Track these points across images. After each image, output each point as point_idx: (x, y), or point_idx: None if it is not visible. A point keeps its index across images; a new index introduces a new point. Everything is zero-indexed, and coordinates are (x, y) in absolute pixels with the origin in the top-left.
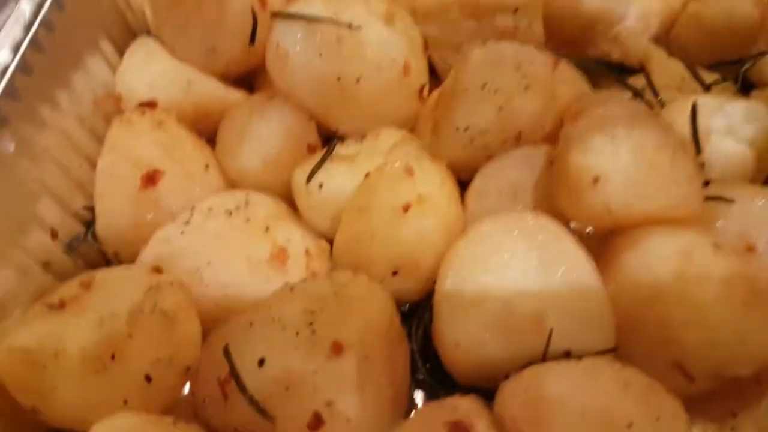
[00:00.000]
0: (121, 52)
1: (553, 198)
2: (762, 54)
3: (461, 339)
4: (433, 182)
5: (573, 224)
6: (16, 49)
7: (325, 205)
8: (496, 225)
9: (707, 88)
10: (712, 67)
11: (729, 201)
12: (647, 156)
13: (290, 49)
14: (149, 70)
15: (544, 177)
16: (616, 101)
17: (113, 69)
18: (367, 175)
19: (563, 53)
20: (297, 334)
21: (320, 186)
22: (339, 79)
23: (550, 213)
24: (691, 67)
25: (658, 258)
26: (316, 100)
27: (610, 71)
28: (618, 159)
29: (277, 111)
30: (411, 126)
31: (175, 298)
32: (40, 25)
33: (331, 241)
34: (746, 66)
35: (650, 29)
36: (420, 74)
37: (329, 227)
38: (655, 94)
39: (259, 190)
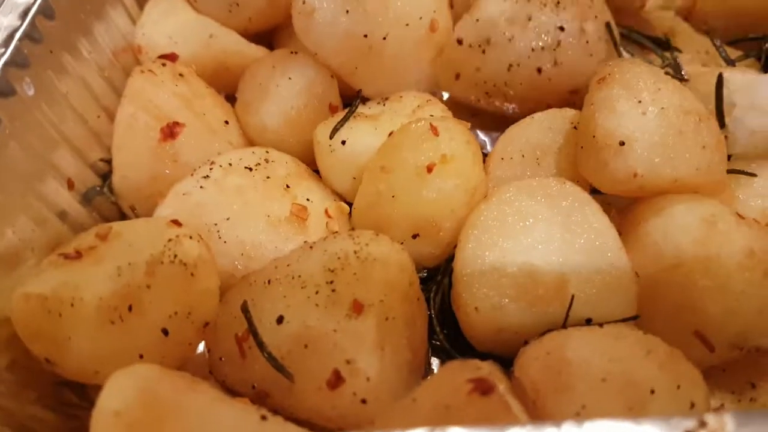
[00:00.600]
0: (141, 5)
1: (577, 163)
2: None
3: (481, 304)
4: (458, 142)
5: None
6: None
7: (346, 163)
8: (519, 190)
9: (731, 63)
10: (734, 43)
11: (751, 175)
12: (673, 120)
13: (317, 5)
14: (170, 22)
15: (569, 142)
16: (641, 66)
17: (134, 21)
18: (390, 134)
19: None
20: (317, 292)
21: (343, 143)
22: (366, 36)
23: (574, 178)
24: (716, 43)
25: (681, 226)
26: (342, 58)
27: (636, 42)
28: (645, 122)
29: (300, 67)
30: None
31: (196, 251)
32: None
33: (350, 203)
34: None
35: (675, 2)
36: (447, 32)
37: (349, 187)
38: (679, 67)
39: (278, 148)
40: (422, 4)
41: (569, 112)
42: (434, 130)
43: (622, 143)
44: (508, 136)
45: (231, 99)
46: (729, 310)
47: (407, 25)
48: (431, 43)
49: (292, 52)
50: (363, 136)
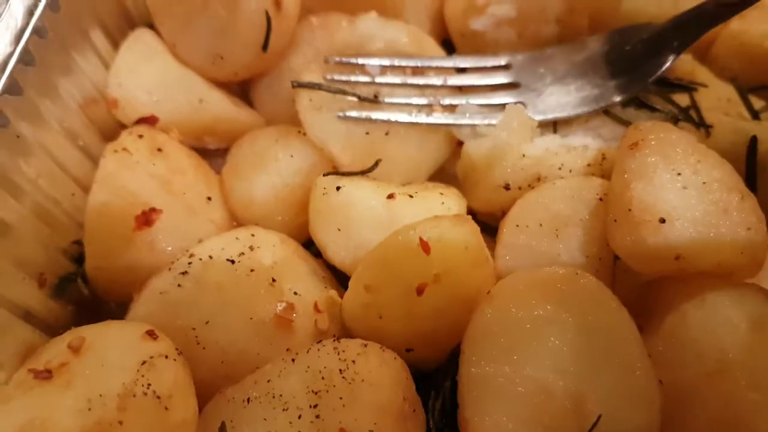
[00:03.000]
0: (116, 45)
1: (602, 238)
2: None
3: None
4: (453, 256)
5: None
6: None
7: (333, 210)
8: (527, 287)
9: (756, 115)
10: (756, 90)
11: None
12: (716, 197)
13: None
14: (149, 71)
15: (593, 214)
16: (674, 131)
17: (106, 66)
18: (389, 197)
19: None
20: (300, 417)
21: (337, 188)
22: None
23: (596, 255)
24: (742, 93)
25: (727, 325)
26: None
27: (656, 87)
28: (686, 198)
29: (305, 149)
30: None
31: (171, 377)
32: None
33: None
34: None
35: None
36: None
37: (333, 238)
38: (701, 118)
39: (262, 223)
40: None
41: (595, 182)
42: (425, 246)
43: (662, 220)
44: (527, 202)
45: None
46: None
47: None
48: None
49: (299, 131)
50: (361, 188)
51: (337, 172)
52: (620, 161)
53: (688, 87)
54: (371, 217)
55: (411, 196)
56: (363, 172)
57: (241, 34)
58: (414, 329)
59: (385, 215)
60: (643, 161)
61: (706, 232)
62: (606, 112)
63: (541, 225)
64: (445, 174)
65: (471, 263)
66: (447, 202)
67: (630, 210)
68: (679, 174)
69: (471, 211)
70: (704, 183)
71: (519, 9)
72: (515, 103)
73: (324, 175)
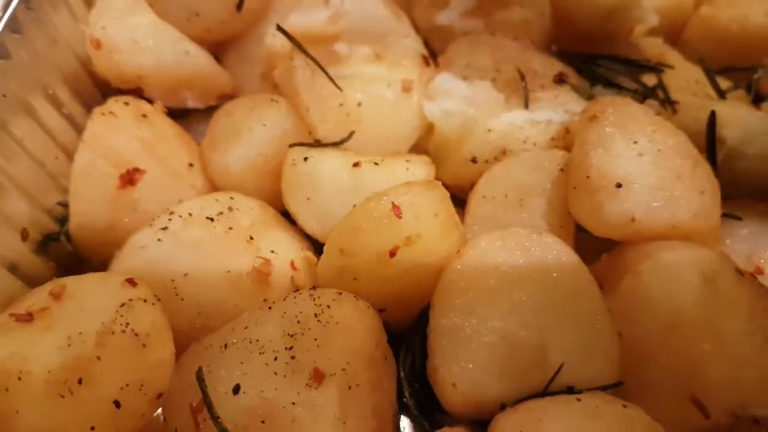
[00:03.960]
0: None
1: (563, 207)
2: None
3: (459, 380)
4: (424, 219)
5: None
6: None
7: (302, 180)
8: (494, 245)
9: (722, 94)
10: (724, 72)
11: (737, 218)
12: (671, 164)
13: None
14: (133, 22)
15: (554, 184)
16: (634, 105)
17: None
18: (355, 163)
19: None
20: (275, 359)
21: (305, 159)
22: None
23: (558, 223)
24: (709, 73)
25: (680, 282)
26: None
27: (624, 68)
28: (642, 165)
29: (278, 116)
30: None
31: (149, 318)
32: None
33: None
34: (759, 74)
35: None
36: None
37: (304, 207)
38: (667, 97)
39: (241, 191)
40: (386, 73)
41: (557, 154)
42: (397, 211)
43: (618, 185)
44: (492, 174)
45: (176, 114)
46: (730, 378)
47: (377, 92)
48: (408, 101)
49: (272, 99)
50: (328, 157)
51: (305, 143)
52: (580, 133)
53: (656, 68)
54: (338, 185)
55: (377, 164)
56: (334, 144)
57: None
58: (387, 290)
59: (351, 183)
60: (601, 132)
61: (660, 196)
62: (576, 89)
63: (506, 196)
64: (419, 150)
65: (440, 227)
66: (412, 168)
67: (588, 177)
68: (635, 142)
69: (443, 185)
70: (659, 150)
71: None
72: None
73: (290, 146)
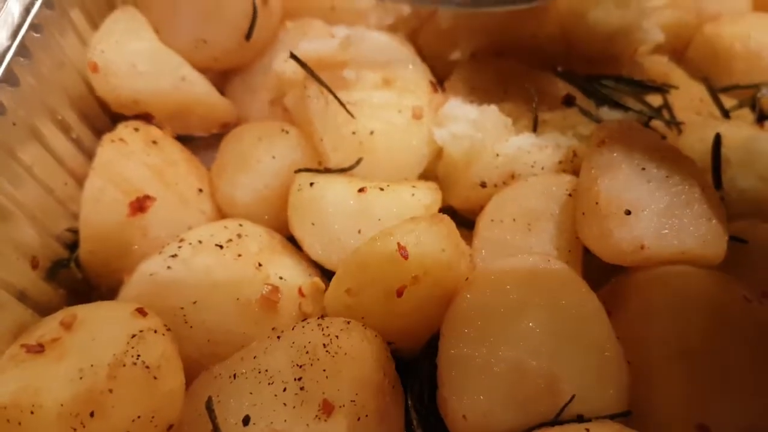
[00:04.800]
0: (94, 23)
1: (571, 232)
2: None
3: (469, 411)
4: (430, 256)
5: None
6: None
7: (307, 204)
8: (503, 273)
9: (726, 114)
10: (727, 90)
11: (743, 242)
12: (679, 190)
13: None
14: (133, 46)
15: (563, 209)
16: (639, 129)
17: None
18: (361, 189)
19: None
20: (284, 389)
21: (311, 184)
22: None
23: (566, 248)
24: (713, 92)
25: (688, 309)
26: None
27: (629, 88)
28: (650, 191)
29: (287, 148)
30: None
31: (159, 349)
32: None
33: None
34: (763, 92)
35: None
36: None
37: (310, 235)
38: (672, 117)
39: (248, 218)
40: (396, 99)
41: (565, 178)
42: (403, 251)
43: (628, 212)
44: (501, 198)
45: (184, 138)
46: (738, 406)
47: (389, 119)
48: (419, 128)
49: (283, 130)
50: (334, 183)
51: (312, 169)
52: (588, 158)
53: (661, 89)
54: (343, 211)
55: (382, 189)
56: (342, 170)
57: (227, 19)
58: (395, 325)
59: (356, 208)
60: (609, 157)
61: (669, 223)
62: (583, 112)
63: (514, 220)
64: (428, 176)
65: (447, 262)
66: (418, 194)
67: (597, 203)
68: (643, 169)
69: (451, 208)
70: (667, 176)
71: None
72: None
73: (296, 171)
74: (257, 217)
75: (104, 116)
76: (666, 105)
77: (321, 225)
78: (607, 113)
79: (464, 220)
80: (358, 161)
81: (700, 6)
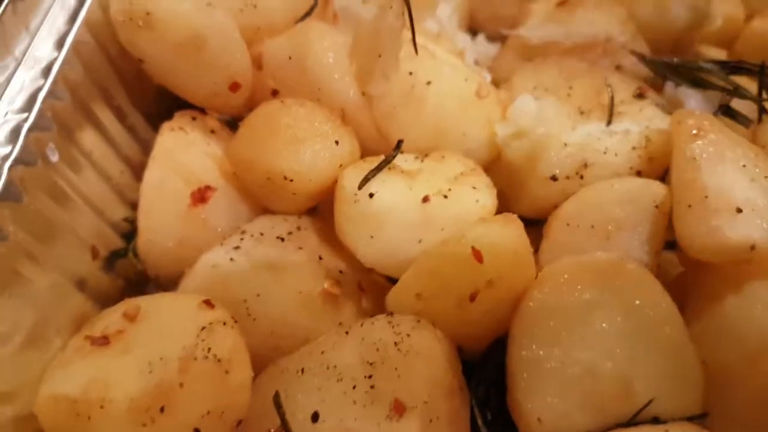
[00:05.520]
0: None
1: (651, 245)
2: None
3: (544, 414)
4: (504, 259)
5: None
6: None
7: (368, 219)
8: (574, 272)
9: None
10: None
11: None
12: None
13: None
14: None
15: (647, 221)
16: (723, 125)
17: None
18: (425, 198)
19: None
20: (354, 387)
21: (371, 195)
22: (411, 74)
23: (645, 262)
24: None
25: (766, 308)
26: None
27: (719, 70)
28: (756, 190)
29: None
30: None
31: (229, 342)
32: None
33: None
34: None
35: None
36: (494, 106)
37: (364, 244)
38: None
39: None
40: (466, 69)
41: (653, 187)
42: (477, 255)
43: (739, 210)
44: (581, 200)
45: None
46: None
47: (452, 81)
48: (478, 109)
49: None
50: (395, 193)
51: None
52: (685, 146)
53: (761, 70)
54: (405, 223)
55: (445, 197)
56: (387, 161)
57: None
58: (465, 331)
59: (419, 219)
60: (712, 149)
61: None
62: (657, 105)
63: (592, 227)
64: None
65: (520, 264)
66: (481, 198)
67: (707, 197)
68: (744, 165)
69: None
70: (766, 177)
71: None
72: None
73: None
74: None
75: (156, 105)
76: (762, 86)
77: (380, 237)
78: (688, 94)
79: (525, 219)
80: (398, 144)
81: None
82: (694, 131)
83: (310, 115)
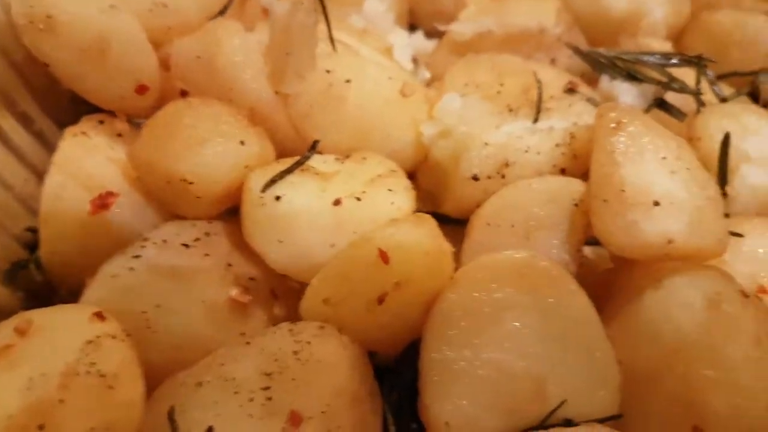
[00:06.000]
0: None
1: (571, 243)
2: None
3: (452, 418)
4: (413, 260)
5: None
6: None
7: (275, 223)
8: (489, 272)
9: (723, 101)
10: (725, 77)
11: (738, 236)
12: (700, 184)
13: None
14: None
15: (567, 219)
16: (647, 118)
17: None
18: (336, 201)
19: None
20: (251, 400)
21: (277, 198)
22: (328, 72)
23: (565, 261)
24: (710, 78)
25: (683, 304)
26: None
27: (657, 63)
28: (676, 183)
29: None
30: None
31: (117, 356)
32: None
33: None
34: (761, 80)
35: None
36: (420, 105)
37: (274, 249)
38: (699, 91)
39: None
40: (391, 67)
41: (573, 184)
42: (384, 257)
43: (656, 203)
44: (501, 199)
45: None
46: (734, 406)
47: (374, 79)
48: (403, 108)
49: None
50: (305, 196)
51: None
52: (603, 139)
53: (697, 61)
54: (316, 226)
55: (359, 199)
56: (299, 162)
57: None
58: (375, 335)
59: (331, 222)
60: (630, 142)
61: (696, 219)
62: (588, 99)
63: (512, 226)
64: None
65: (431, 264)
66: (397, 200)
67: (623, 191)
68: (664, 158)
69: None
70: (688, 169)
71: None
72: None
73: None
74: None
75: (71, 110)
76: (700, 79)
77: (289, 241)
78: (623, 88)
79: (447, 218)
80: (314, 145)
81: None
82: (613, 125)
83: (215, 115)
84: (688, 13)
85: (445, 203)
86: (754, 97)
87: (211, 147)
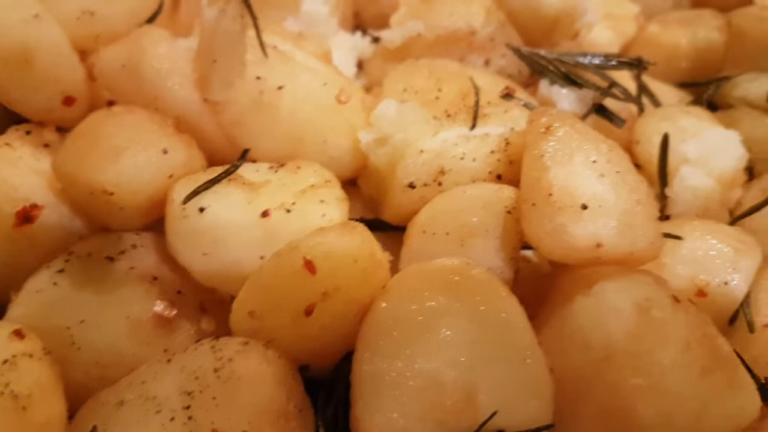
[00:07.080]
0: None
1: (506, 250)
2: (726, 78)
3: (383, 431)
4: (341, 269)
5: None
6: None
7: (198, 236)
8: (420, 279)
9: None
10: (688, 86)
11: (677, 238)
12: (630, 188)
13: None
14: None
15: (499, 226)
16: (579, 122)
17: None
18: (264, 212)
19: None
20: (172, 419)
21: (201, 210)
22: (258, 78)
23: (499, 268)
24: (642, 83)
25: (612, 311)
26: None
27: (598, 66)
28: (604, 187)
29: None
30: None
31: (33, 376)
32: None
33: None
34: (710, 90)
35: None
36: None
37: (198, 262)
38: (639, 95)
39: None
40: (327, 73)
41: (505, 192)
42: (309, 267)
43: (584, 207)
44: (435, 207)
45: None
46: (662, 414)
47: (308, 86)
48: (339, 115)
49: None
50: (230, 207)
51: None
52: (533, 144)
53: (637, 64)
54: (243, 239)
55: (288, 211)
56: (227, 172)
57: None
58: (305, 348)
59: (259, 235)
60: (560, 146)
61: (626, 222)
62: (525, 105)
63: (447, 233)
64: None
65: (361, 273)
66: (329, 212)
67: (551, 195)
68: (594, 161)
69: (385, 222)
70: (618, 172)
71: None
72: None
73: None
74: None
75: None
76: (639, 82)
77: (215, 255)
78: (562, 94)
79: (389, 225)
80: (244, 153)
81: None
82: (543, 129)
83: (136, 123)
84: (633, 29)
85: (384, 211)
86: (712, 106)
87: (130, 156)
